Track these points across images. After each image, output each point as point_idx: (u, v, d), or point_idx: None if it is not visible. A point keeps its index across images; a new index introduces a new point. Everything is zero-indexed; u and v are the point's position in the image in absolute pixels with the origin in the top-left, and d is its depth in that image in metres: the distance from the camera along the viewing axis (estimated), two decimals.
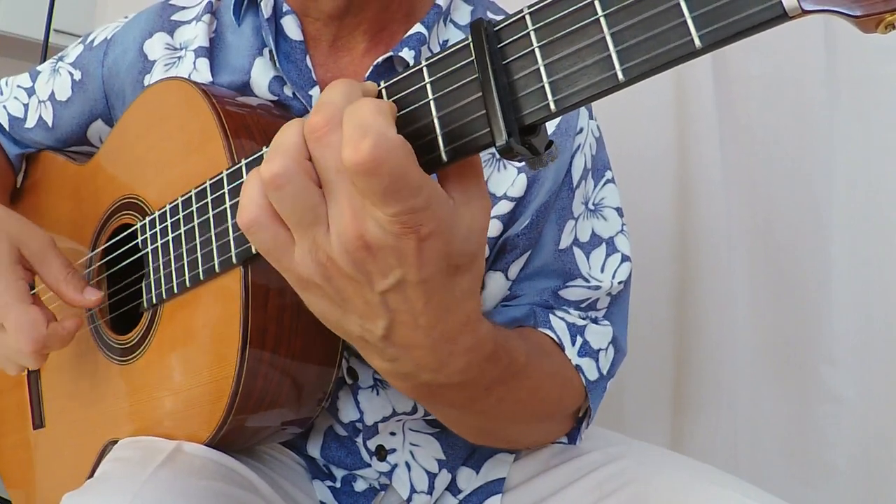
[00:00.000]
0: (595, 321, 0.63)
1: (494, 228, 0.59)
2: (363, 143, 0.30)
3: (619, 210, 0.66)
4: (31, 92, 0.73)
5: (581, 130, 0.64)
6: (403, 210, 0.31)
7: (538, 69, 0.31)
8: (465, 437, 0.56)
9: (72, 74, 0.70)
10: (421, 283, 0.34)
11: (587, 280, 0.62)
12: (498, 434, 0.58)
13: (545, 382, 0.54)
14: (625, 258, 0.64)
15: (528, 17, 0.31)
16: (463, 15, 0.64)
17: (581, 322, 0.61)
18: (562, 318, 0.60)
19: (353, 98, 0.33)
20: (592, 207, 0.65)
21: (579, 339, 0.60)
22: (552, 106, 0.31)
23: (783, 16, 0.26)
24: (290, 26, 0.61)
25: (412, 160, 0.31)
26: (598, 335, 0.61)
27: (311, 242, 0.34)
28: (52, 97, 0.71)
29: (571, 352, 0.59)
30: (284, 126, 0.35)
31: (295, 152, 0.33)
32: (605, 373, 0.61)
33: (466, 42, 0.33)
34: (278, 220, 0.35)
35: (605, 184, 0.66)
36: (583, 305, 0.63)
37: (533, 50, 0.31)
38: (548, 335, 0.59)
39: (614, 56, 0.29)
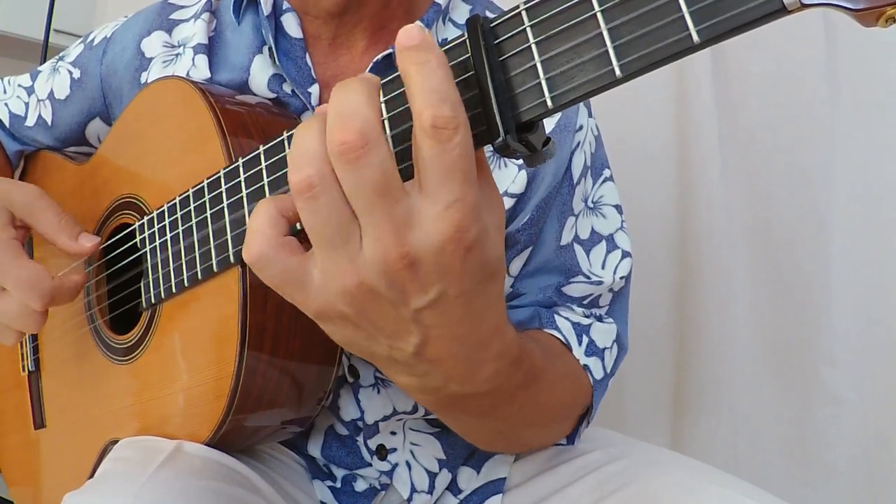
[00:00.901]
0: (600, 319, 0.63)
1: None
2: (444, 106, 0.29)
3: (618, 207, 0.66)
4: (31, 91, 0.73)
5: (581, 128, 0.64)
6: (458, 199, 0.30)
7: (535, 65, 0.31)
8: (476, 444, 0.55)
9: (71, 73, 0.70)
10: (460, 296, 0.33)
11: (588, 277, 0.62)
12: (512, 438, 0.57)
13: (559, 384, 0.54)
14: (625, 254, 0.64)
15: (524, 14, 0.31)
16: (462, 13, 0.64)
17: (586, 321, 0.61)
18: (566, 318, 0.60)
19: (376, 104, 0.31)
20: (592, 205, 0.65)
21: (585, 339, 0.60)
22: (549, 102, 0.30)
23: (782, 10, 0.26)
24: (290, 24, 0.61)
25: (473, 150, 0.30)
26: (603, 334, 0.61)
27: (335, 266, 0.32)
28: (51, 95, 0.71)
29: (579, 352, 0.59)
30: (302, 129, 0.32)
31: (326, 160, 0.31)
32: (608, 371, 0.61)
33: (463, 39, 0.33)
34: (288, 250, 0.33)
35: (603, 182, 0.66)
36: (585, 302, 0.63)
37: (529, 46, 0.31)
38: (555, 336, 0.59)
39: (611, 52, 0.29)
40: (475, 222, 0.31)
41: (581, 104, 0.64)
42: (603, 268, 0.63)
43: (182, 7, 0.67)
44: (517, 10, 0.32)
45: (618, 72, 0.29)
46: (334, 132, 0.30)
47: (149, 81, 0.63)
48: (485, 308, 0.35)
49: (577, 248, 0.63)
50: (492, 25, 0.32)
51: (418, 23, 0.59)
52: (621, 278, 0.63)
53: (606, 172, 0.67)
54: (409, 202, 0.31)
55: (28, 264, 0.54)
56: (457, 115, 0.29)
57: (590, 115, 0.66)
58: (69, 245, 0.56)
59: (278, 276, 0.33)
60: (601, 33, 0.29)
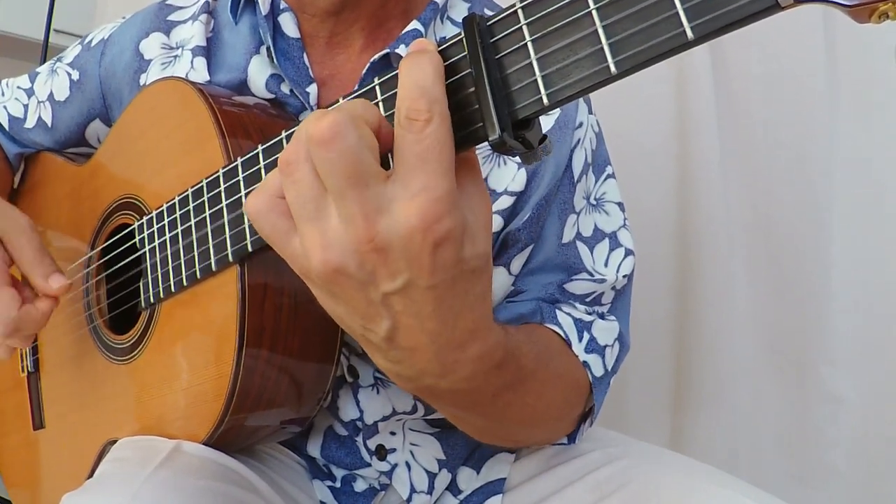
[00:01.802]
0: (602, 317, 0.63)
1: (496, 224, 0.59)
2: (420, 101, 0.31)
3: (620, 205, 0.66)
4: (30, 93, 0.73)
5: (580, 125, 0.63)
6: (425, 188, 0.31)
7: (531, 63, 0.31)
8: (469, 434, 0.55)
9: (70, 75, 0.70)
10: (430, 289, 0.34)
11: (591, 274, 0.62)
12: (502, 434, 0.57)
13: (552, 386, 0.54)
14: (628, 252, 0.64)
15: (520, 12, 0.31)
16: (460, 12, 0.64)
17: (588, 318, 0.61)
18: (568, 314, 0.60)
19: (368, 107, 0.34)
20: (594, 202, 0.65)
21: (586, 336, 0.60)
22: (545, 99, 0.31)
23: (775, 6, 0.26)
24: (288, 24, 0.61)
25: (451, 144, 0.32)
26: (605, 331, 0.61)
27: (308, 239, 0.34)
28: (50, 97, 0.71)
29: (578, 348, 0.59)
30: (313, 115, 0.34)
31: (306, 142, 0.33)
32: (609, 369, 0.61)
33: (460, 37, 0.33)
34: (277, 210, 0.35)
35: (605, 179, 0.66)
36: (588, 300, 0.63)
37: (526, 44, 0.31)
38: (554, 331, 0.59)
39: (606, 49, 0.29)
40: (446, 214, 0.32)
41: (581, 101, 0.64)
42: (606, 265, 0.63)
43: (180, 8, 0.67)
44: (513, 9, 0.32)
45: (613, 68, 0.29)
46: (311, 122, 0.32)
47: (147, 83, 0.64)
48: (461, 307, 0.36)
49: (581, 246, 0.63)
50: (488, 24, 0.32)
51: (414, 23, 0.59)
52: (624, 276, 0.63)
53: (608, 169, 0.67)
54: (382, 188, 0.32)
55: (1, 293, 0.55)
56: (431, 109, 0.31)
57: (590, 111, 0.66)
58: (39, 284, 0.57)
59: (267, 231, 0.35)
60: (596, 30, 0.29)
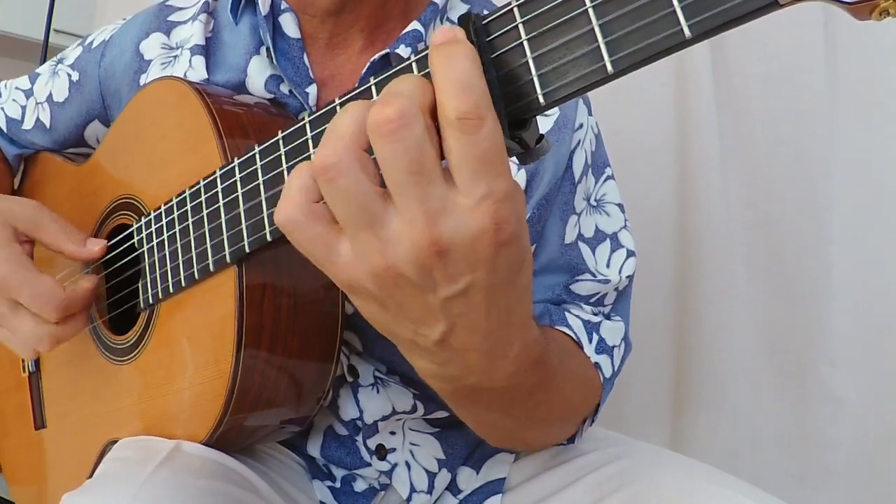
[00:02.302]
0: (608, 317, 0.63)
1: None
2: (467, 95, 0.29)
3: (620, 206, 0.66)
4: (29, 94, 0.73)
5: (580, 126, 0.63)
6: (489, 193, 0.29)
7: (527, 62, 0.31)
8: (486, 438, 0.55)
9: (70, 76, 0.70)
10: (491, 289, 0.32)
11: (594, 275, 0.62)
12: (521, 435, 0.56)
13: (572, 384, 0.54)
14: (630, 253, 0.64)
15: (516, 10, 0.31)
16: (459, 13, 0.64)
17: (595, 319, 0.61)
18: (577, 316, 0.61)
19: (428, 93, 0.30)
20: (595, 203, 0.65)
21: (595, 337, 0.60)
22: (541, 99, 0.30)
23: (774, 4, 0.26)
24: (288, 24, 0.61)
25: (503, 139, 0.30)
26: (612, 332, 0.61)
27: (362, 246, 0.31)
28: (49, 98, 0.71)
29: (590, 349, 0.59)
30: (344, 109, 0.32)
31: (351, 140, 0.31)
32: (616, 369, 0.61)
33: None
34: (317, 218, 0.32)
35: (605, 180, 0.66)
36: (592, 300, 0.63)
37: (521, 43, 0.31)
38: (566, 333, 0.59)
39: (603, 47, 0.29)
40: (513, 215, 0.30)
41: (581, 103, 0.64)
42: (608, 266, 0.63)
43: (180, 9, 0.67)
44: (509, 7, 0.32)
45: (610, 67, 0.29)
46: (375, 109, 0.30)
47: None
48: (514, 302, 0.35)
49: (583, 246, 0.63)
50: (484, 22, 0.32)
51: (413, 24, 0.59)
52: (627, 277, 0.63)
53: (608, 171, 0.67)
54: (444, 188, 0.30)
55: (41, 278, 0.54)
56: (480, 106, 0.29)
57: (589, 113, 0.66)
58: (77, 251, 0.56)
59: (306, 243, 0.33)
60: (593, 29, 0.29)
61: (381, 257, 0.31)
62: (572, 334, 0.59)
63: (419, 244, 0.30)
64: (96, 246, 0.57)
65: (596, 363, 0.59)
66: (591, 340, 0.59)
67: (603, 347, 0.60)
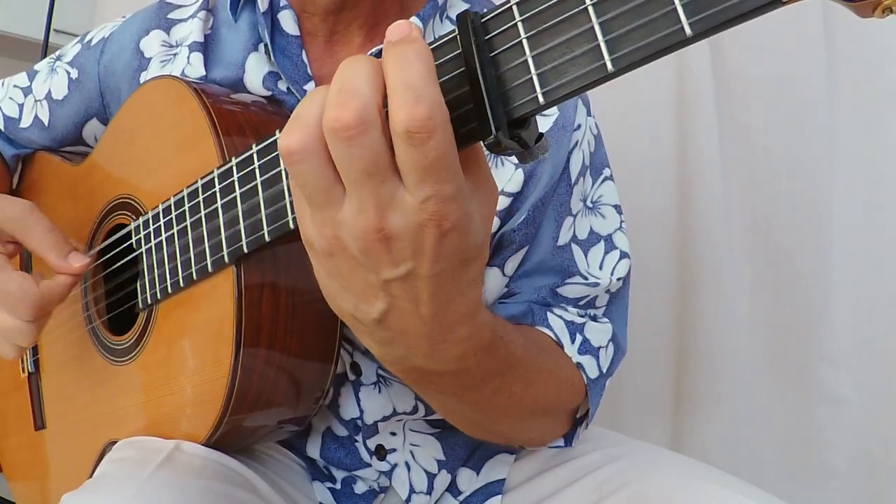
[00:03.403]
0: (594, 319, 0.62)
1: (493, 223, 0.58)
2: (418, 108, 0.29)
3: (617, 207, 0.66)
4: (27, 91, 0.73)
5: (579, 127, 0.63)
6: (434, 195, 0.31)
7: (526, 61, 0.30)
8: (459, 427, 0.56)
9: (69, 73, 0.70)
10: (431, 277, 0.34)
11: (585, 277, 0.62)
12: (492, 428, 0.57)
13: (541, 378, 0.54)
14: (623, 255, 0.63)
15: (515, 8, 0.31)
16: (459, 10, 0.63)
17: (580, 320, 0.61)
18: (559, 317, 0.60)
19: (381, 85, 0.31)
20: (591, 205, 0.64)
21: (579, 337, 0.59)
22: (541, 98, 0.30)
23: (775, 2, 0.25)
24: (287, 21, 0.61)
25: (454, 144, 0.31)
26: (598, 333, 0.61)
27: (320, 218, 0.33)
28: (48, 96, 0.71)
29: (571, 350, 0.58)
30: (309, 95, 0.33)
31: (316, 128, 0.31)
32: (604, 371, 0.60)
33: (454, 34, 0.33)
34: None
35: (603, 181, 0.66)
36: (581, 303, 0.62)
37: (521, 41, 0.31)
38: (545, 333, 0.58)
39: (603, 46, 0.28)
40: (455, 211, 0.32)
41: (580, 103, 0.64)
42: (601, 268, 0.63)
43: (180, 6, 0.67)
44: (508, 5, 0.31)
45: (610, 66, 0.28)
46: (332, 108, 0.30)
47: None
48: (455, 293, 0.36)
49: (575, 249, 0.63)
50: (483, 21, 0.32)
51: (412, 19, 0.59)
52: (618, 280, 0.63)
53: (606, 172, 0.66)
54: (395, 184, 0.31)
55: (12, 276, 0.54)
56: (432, 117, 0.29)
57: (589, 114, 0.65)
58: (58, 263, 0.55)
59: (295, 198, 0.35)
60: (593, 27, 0.29)
61: (332, 231, 0.33)
62: (552, 334, 0.58)
63: (366, 229, 0.32)
64: (78, 262, 0.55)
65: (578, 363, 0.58)
66: (573, 341, 0.59)
67: (587, 348, 0.59)
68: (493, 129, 0.31)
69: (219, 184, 0.47)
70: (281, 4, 0.62)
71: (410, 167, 0.30)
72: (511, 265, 0.61)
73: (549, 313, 0.60)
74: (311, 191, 0.32)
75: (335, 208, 0.33)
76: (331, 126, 0.30)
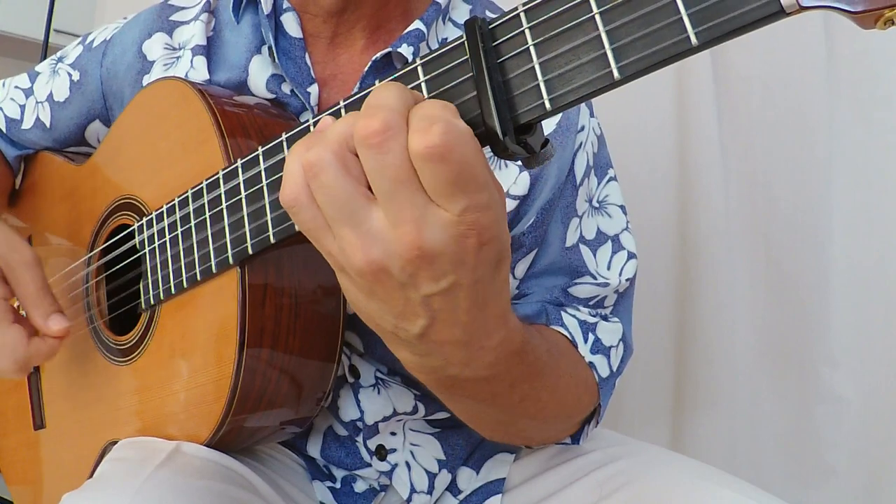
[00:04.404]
0: (605, 318, 0.63)
1: None
2: (433, 128, 0.30)
3: (622, 207, 0.66)
4: (29, 93, 0.73)
5: (582, 128, 0.63)
6: (470, 206, 0.31)
7: (533, 67, 0.31)
8: (478, 430, 0.55)
9: (70, 75, 0.70)
10: (472, 286, 0.34)
11: (595, 277, 0.62)
12: (514, 430, 0.57)
13: (564, 382, 0.54)
14: (631, 255, 0.64)
15: (522, 15, 0.31)
16: (462, 13, 0.63)
17: (592, 319, 0.61)
18: (573, 316, 0.60)
19: (410, 102, 0.32)
20: (597, 205, 0.65)
21: (591, 337, 0.60)
22: (547, 104, 0.30)
23: (780, 12, 0.26)
24: (290, 23, 0.61)
25: (481, 154, 0.31)
26: (609, 332, 0.61)
27: (345, 239, 0.33)
28: (50, 98, 0.71)
29: (584, 349, 0.59)
30: (336, 116, 0.34)
31: (337, 144, 0.32)
32: (615, 370, 0.61)
33: (461, 40, 0.33)
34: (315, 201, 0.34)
35: (608, 181, 0.66)
36: (591, 303, 0.63)
37: (528, 48, 0.31)
38: (561, 332, 0.59)
39: (610, 54, 0.29)
40: (492, 219, 0.32)
41: (583, 104, 0.64)
42: (609, 269, 0.63)
43: (182, 8, 0.67)
44: (516, 12, 0.32)
45: (616, 74, 0.29)
46: (361, 119, 0.31)
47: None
48: (493, 295, 0.36)
49: (584, 249, 0.63)
50: (490, 27, 0.32)
51: (415, 23, 0.59)
52: (627, 280, 0.63)
53: (611, 172, 0.67)
54: (426, 197, 0.32)
55: (6, 331, 0.55)
56: (447, 137, 0.30)
57: (591, 115, 0.66)
58: (39, 324, 0.56)
59: (309, 223, 0.34)
60: (600, 35, 0.29)
61: (362, 253, 0.33)
62: (567, 333, 0.59)
63: (403, 244, 0.32)
64: (57, 325, 0.56)
65: (590, 363, 0.59)
66: (586, 340, 0.59)
67: (599, 347, 0.60)
68: (500, 134, 0.31)
69: (224, 185, 0.47)
70: (284, 7, 0.62)
71: (439, 183, 0.31)
72: (521, 268, 0.62)
73: (563, 313, 0.60)
74: (332, 204, 0.32)
75: (361, 223, 0.32)
76: (361, 135, 0.31)
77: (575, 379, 0.57)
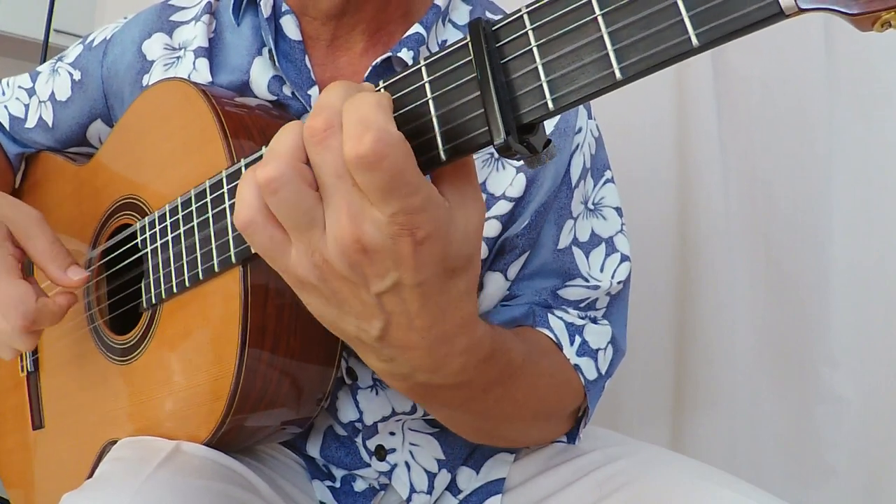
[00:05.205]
0: (594, 321, 0.63)
1: (493, 229, 0.59)
2: (365, 137, 0.31)
3: (618, 210, 0.66)
4: (31, 92, 0.73)
5: (580, 130, 0.63)
6: (401, 209, 0.32)
7: (536, 68, 0.31)
8: (463, 435, 0.56)
9: (71, 75, 0.70)
10: (417, 286, 0.35)
11: (586, 280, 0.62)
12: (496, 433, 0.58)
13: (542, 382, 0.54)
14: (624, 258, 0.64)
15: (526, 17, 0.32)
16: (462, 15, 0.64)
17: (580, 322, 0.61)
18: (560, 318, 0.60)
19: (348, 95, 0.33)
20: (592, 207, 0.65)
21: (578, 339, 0.60)
22: (550, 105, 0.31)
23: (780, 14, 0.26)
24: (289, 26, 0.61)
25: (411, 159, 0.32)
26: (597, 335, 0.61)
27: (306, 245, 0.35)
28: (51, 97, 0.71)
29: (570, 351, 0.59)
30: (283, 128, 0.35)
31: (290, 156, 0.33)
32: (603, 372, 0.61)
33: (465, 41, 0.33)
34: (274, 220, 0.35)
35: (604, 183, 0.66)
36: (582, 305, 0.63)
37: (531, 49, 0.31)
38: (546, 335, 0.59)
39: (612, 55, 0.29)
40: (427, 220, 0.33)
41: (581, 106, 0.64)
42: (601, 271, 0.63)
43: (182, 8, 0.67)
44: (519, 14, 0.32)
45: (618, 74, 0.29)
46: (309, 118, 0.33)
47: (150, 84, 0.63)
48: (447, 304, 0.37)
49: (576, 251, 0.63)
50: (494, 28, 0.32)
51: (415, 27, 0.59)
52: (619, 283, 0.63)
53: (608, 174, 0.67)
54: (362, 194, 0.33)
55: (16, 283, 0.55)
56: (378, 146, 0.31)
57: (589, 116, 0.66)
58: (57, 275, 0.56)
59: (266, 243, 0.36)
60: (602, 37, 0.29)
61: (319, 254, 0.35)
62: (552, 335, 0.59)
63: (344, 240, 0.33)
64: (77, 275, 0.56)
65: (576, 365, 0.59)
66: (572, 343, 0.59)
67: (585, 350, 0.60)
68: (503, 134, 0.31)
69: (227, 185, 0.47)
70: (283, 9, 0.62)
71: (370, 188, 0.32)
72: (513, 269, 0.62)
73: (549, 315, 0.60)
74: (295, 214, 0.34)
75: (318, 226, 0.34)
76: (306, 134, 0.33)
77: (556, 380, 0.57)
